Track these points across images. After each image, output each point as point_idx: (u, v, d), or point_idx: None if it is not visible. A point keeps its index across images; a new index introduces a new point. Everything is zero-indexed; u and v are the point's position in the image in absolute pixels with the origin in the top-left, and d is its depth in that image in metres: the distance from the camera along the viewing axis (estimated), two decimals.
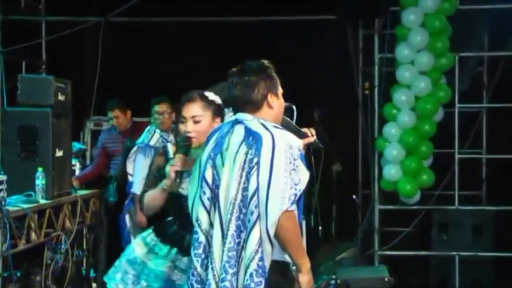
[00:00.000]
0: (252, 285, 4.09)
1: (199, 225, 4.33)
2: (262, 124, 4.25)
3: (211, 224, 4.32)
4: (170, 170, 4.71)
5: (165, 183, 4.77)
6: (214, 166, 4.33)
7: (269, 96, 4.37)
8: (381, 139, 9.56)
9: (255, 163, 4.21)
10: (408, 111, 9.17)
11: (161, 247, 4.91)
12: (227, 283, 4.12)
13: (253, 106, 4.40)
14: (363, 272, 8.02)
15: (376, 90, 9.70)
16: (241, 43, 11.89)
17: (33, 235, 7.49)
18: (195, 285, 4.36)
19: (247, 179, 4.21)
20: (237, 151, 4.28)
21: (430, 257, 9.94)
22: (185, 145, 4.75)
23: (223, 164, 4.32)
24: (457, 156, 9.73)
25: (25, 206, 7.25)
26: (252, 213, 4.13)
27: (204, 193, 4.34)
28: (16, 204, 7.16)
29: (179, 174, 4.69)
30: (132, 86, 11.35)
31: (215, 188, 4.29)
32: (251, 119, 4.34)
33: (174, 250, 4.88)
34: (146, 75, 11.66)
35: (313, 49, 10.84)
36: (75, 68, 10.73)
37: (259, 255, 4.12)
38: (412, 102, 9.17)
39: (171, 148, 5.01)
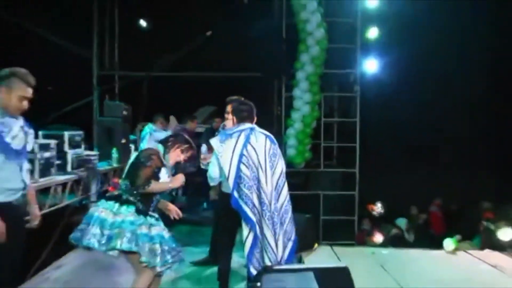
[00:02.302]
0: (288, 207, 4.60)
1: (247, 177, 4.43)
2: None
3: (256, 178, 4.46)
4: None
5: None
6: (246, 150, 4.49)
7: None
8: (285, 137, 9.44)
9: (279, 155, 4.66)
10: (299, 122, 9.32)
11: (149, 218, 4.23)
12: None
13: (251, 120, 4.71)
14: None
15: (283, 112, 9.80)
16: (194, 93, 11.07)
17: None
18: (249, 203, 4.44)
19: (272, 160, 4.56)
20: (265, 144, 4.59)
21: (305, 195, 9.53)
22: None
23: (254, 150, 4.51)
24: (322, 144, 9.88)
25: (107, 167, 7.76)
26: (283, 182, 4.60)
27: (245, 158, 4.47)
28: (102, 166, 7.57)
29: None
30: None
31: (247, 162, 4.46)
32: (255, 127, 4.67)
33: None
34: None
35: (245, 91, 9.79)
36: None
37: (288, 197, 4.64)
38: (301, 118, 9.30)
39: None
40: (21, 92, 3.65)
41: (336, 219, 9.69)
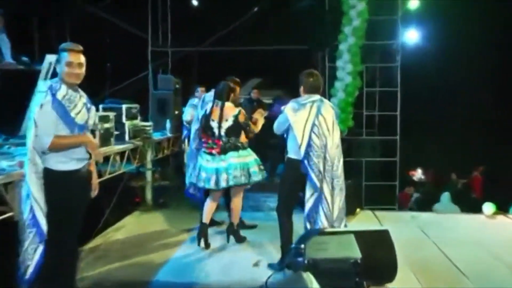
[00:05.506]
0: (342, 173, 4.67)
1: (316, 146, 4.53)
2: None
3: (324, 146, 4.51)
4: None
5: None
6: (318, 120, 4.53)
7: None
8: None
9: (336, 123, 4.70)
10: (342, 92, 9.08)
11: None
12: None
13: (319, 92, 4.72)
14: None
15: (326, 82, 8.95)
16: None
17: (165, 150, 8.08)
18: (315, 171, 4.54)
19: (335, 128, 4.62)
20: (332, 113, 4.65)
21: (347, 162, 8.48)
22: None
23: (324, 120, 4.55)
24: (364, 113, 9.81)
25: (161, 137, 7.87)
26: (340, 148, 4.68)
27: (316, 128, 4.53)
28: (157, 136, 7.66)
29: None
30: None
31: (317, 131, 4.52)
32: (323, 98, 4.72)
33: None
34: None
35: (289, 63, 9.81)
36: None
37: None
38: (343, 87, 9.06)
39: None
40: (66, 58, 3.70)
41: (378, 184, 9.57)
